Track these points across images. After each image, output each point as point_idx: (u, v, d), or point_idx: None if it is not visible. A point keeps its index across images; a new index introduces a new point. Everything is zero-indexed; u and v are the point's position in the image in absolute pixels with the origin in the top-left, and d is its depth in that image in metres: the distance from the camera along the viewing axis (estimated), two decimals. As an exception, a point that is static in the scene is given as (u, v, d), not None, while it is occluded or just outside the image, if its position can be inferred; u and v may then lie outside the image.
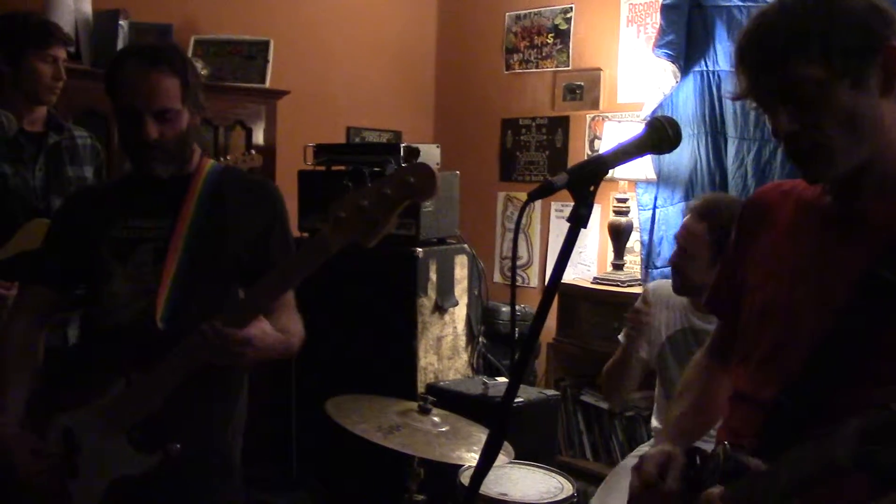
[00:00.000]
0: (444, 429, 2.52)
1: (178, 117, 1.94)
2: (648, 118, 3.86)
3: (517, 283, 4.98)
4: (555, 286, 1.27)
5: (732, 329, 1.62)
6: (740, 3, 3.88)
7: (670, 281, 2.87)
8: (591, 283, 4.25)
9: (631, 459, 2.94)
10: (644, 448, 2.96)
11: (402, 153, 3.71)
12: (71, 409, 1.91)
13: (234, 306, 1.88)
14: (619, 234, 4.21)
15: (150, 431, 1.85)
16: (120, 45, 3.53)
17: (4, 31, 2.71)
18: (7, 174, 2.66)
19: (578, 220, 1.26)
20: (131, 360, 1.87)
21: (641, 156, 1.38)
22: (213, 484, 2.05)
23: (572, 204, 1.27)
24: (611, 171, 1.33)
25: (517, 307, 4.29)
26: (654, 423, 2.97)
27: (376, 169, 3.84)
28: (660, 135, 1.33)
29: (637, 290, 3.95)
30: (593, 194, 1.27)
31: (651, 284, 3.08)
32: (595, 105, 4.64)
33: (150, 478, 1.85)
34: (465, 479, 2.59)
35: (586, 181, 1.28)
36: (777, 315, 1.49)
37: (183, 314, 1.90)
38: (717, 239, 2.68)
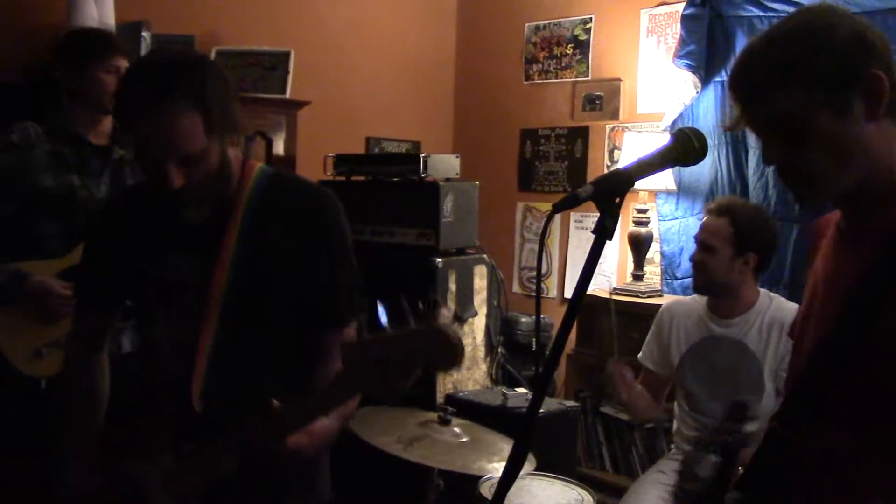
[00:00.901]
0: (464, 439, 2.51)
1: (206, 155, 1.63)
2: (670, 128, 3.86)
3: (540, 296, 4.97)
4: (580, 297, 1.26)
5: None
6: (761, 14, 3.86)
7: (683, 298, 2.87)
8: (611, 293, 4.23)
9: (652, 473, 2.92)
10: (665, 462, 2.94)
11: (422, 164, 3.71)
12: (137, 459, 1.74)
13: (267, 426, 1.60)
14: (639, 245, 4.20)
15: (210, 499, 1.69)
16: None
17: (68, 45, 2.76)
18: (75, 185, 2.69)
19: (604, 232, 1.25)
20: (176, 430, 1.71)
21: (667, 168, 1.38)
22: None
23: (591, 215, 1.28)
24: (634, 184, 1.33)
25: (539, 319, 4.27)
26: (676, 436, 2.96)
27: (396, 179, 3.85)
28: (686, 146, 1.32)
29: (657, 300, 3.93)
30: (619, 206, 1.27)
31: (667, 303, 3.07)
32: (615, 115, 4.63)
33: None
34: (485, 490, 2.58)
35: (612, 193, 1.27)
36: (798, 336, 1.53)
37: (222, 392, 1.71)
38: (739, 233, 2.68)
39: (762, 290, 2.81)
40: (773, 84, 1.33)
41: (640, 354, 3.01)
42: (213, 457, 1.66)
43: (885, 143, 1.36)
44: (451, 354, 1.37)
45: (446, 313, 1.43)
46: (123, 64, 2.75)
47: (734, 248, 2.69)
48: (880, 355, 1.30)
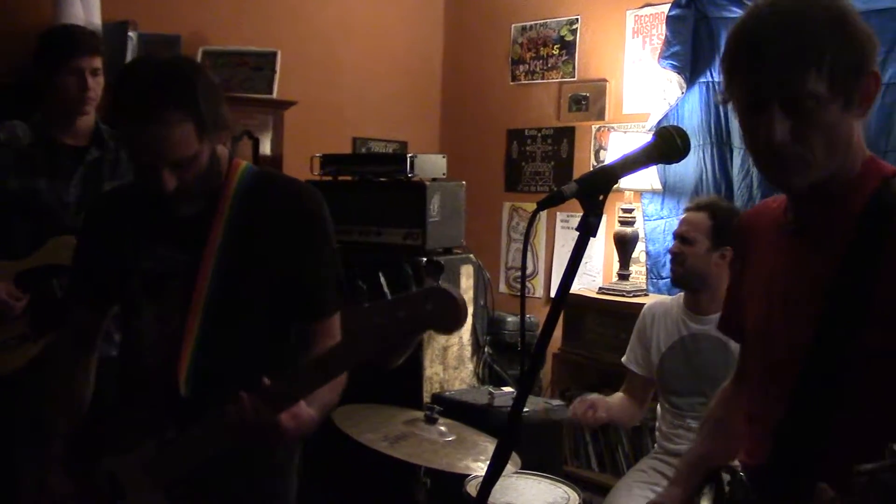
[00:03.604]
0: (450, 438, 2.52)
1: (197, 159, 1.69)
2: (656, 128, 3.88)
3: (525, 295, 4.98)
4: (565, 295, 1.28)
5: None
6: (746, 15, 3.89)
7: (664, 298, 2.89)
8: (597, 293, 4.26)
9: (634, 472, 2.93)
10: (647, 461, 2.96)
11: (408, 164, 3.72)
12: (116, 452, 1.79)
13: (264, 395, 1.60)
14: (624, 245, 4.21)
15: (189, 490, 1.72)
16: (129, 56, 3.55)
17: (39, 46, 2.73)
18: (41, 189, 2.67)
19: (588, 229, 1.27)
20: (160, 418, 1.75)
21: (650, 165, 1.38)
22: None
23: (577, 215, 1.28)
24: (618, 181, 1.33)
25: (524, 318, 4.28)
26: (658, 434, 2.97)
27: (382, 179, 3.86)
28: (669, 144, 1.33)
29: (643, 300, 3.95)
30: (603, 203, 1.28)
31: (647, 304, 3.09)
32: (601, 116, 4.65)
33: None
34: (471, 489, 2.59)
35: (596, 190, 1.28)
36: (762, 334, 1.53)
37: (207, 378, 1.74)
38: (717, 226, 2.72)
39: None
40: (806, 64, 1.30)
41: (623, 358, 3.03)
42: (195, 442, 1.68)
43: (858, 139, 1.40)
44: (455, 314, 1.36)
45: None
46: (93, 63, 2.72)
47: (711, 241, 2.73)
48: (879, 344, 1.31)
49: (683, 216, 2.86)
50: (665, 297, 2.91)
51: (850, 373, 1.33)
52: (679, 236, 2.81)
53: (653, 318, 2.94)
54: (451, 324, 1.38)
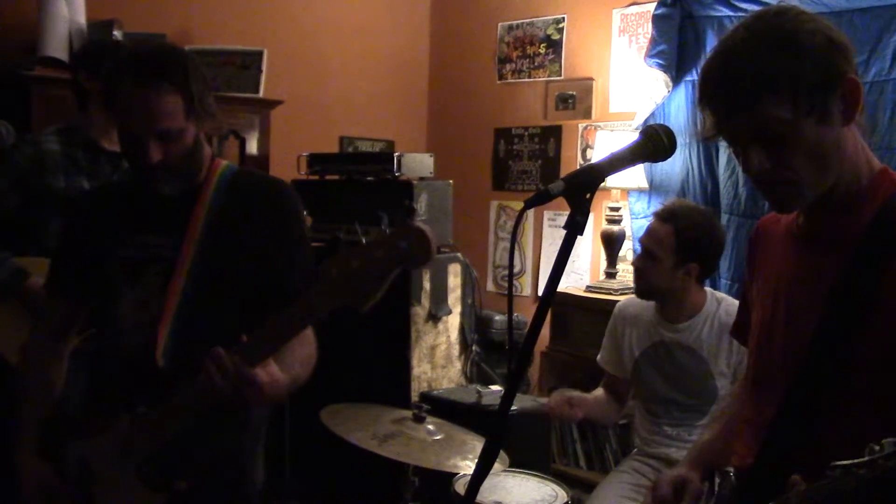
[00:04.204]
0: (438, 437, 2.52)
1: (183, 134, 1.79)
2: (642, 126, 3.89)
3: (512, 294, 4.98)
4: (552, 292, 1.28)
5: None
6: (731, 14, 3.91)
7: (635, 299, 2.86)
8: (585, 291, 4.27)
9: (615, 474, 2.93)
10: (628, 462, 2.95)
11: (395, 163, 3.72)
12: (87, 436, 1.83)
13: (242, 347, 1.66)
14: (611, 243, 4.23)
15: (159, 468, 1.77)
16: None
17: (94, 56, 2.75)
18: (85, 188, 2.69)
19: (575, 227, 1.27)
20: (135, 394, 1.79)
21: (637, 164, 1.38)
22: None
23: (565, 213, 1.28)
24: (604, 180, 1.33)
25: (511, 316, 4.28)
26: (636, 437, 2.97)
27: (369, 178, 3.86)
28: (655, 143, 1.33)
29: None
30: (589, 201, 1.28)
31: (619, 303, 3.05)
32: (587, 114, 4.66)
33: None
34: (459, 487, 2.59)
35: (583, 189, 1.28)
36: (762, 338, 1.53)
37: (185, 350, 1.79)
38: (683, 242, 2.67)
39: (708, 291, 2.80)
40: (760, 93, 1.30)
41: (598, 357, 3.02)
42: (169, 413, 1.73)
43: (854, 144, 1.39)
44: (427, 250, 1.47)
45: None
46: None
47: (676, 257, 2.68)
48: (879, 351, 1.31)
49: (650, 224, 2.80)
50: (636, 299, 2.88)
51: (843, 380, 1.33)
52: (643, 248, 2.77)
53: (623, 321, 2.91)
54: (422, 259, 1.49)
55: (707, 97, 1.38)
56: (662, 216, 2.74)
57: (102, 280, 1.91)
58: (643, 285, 2.78)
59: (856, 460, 1.00)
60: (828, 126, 1.33)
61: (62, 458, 1.84)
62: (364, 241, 1.54)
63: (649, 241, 2.73)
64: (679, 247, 2.67)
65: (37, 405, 1.93)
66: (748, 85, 1.31)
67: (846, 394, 1.33)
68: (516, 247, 4.94)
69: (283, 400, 1.82)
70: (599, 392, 2.98)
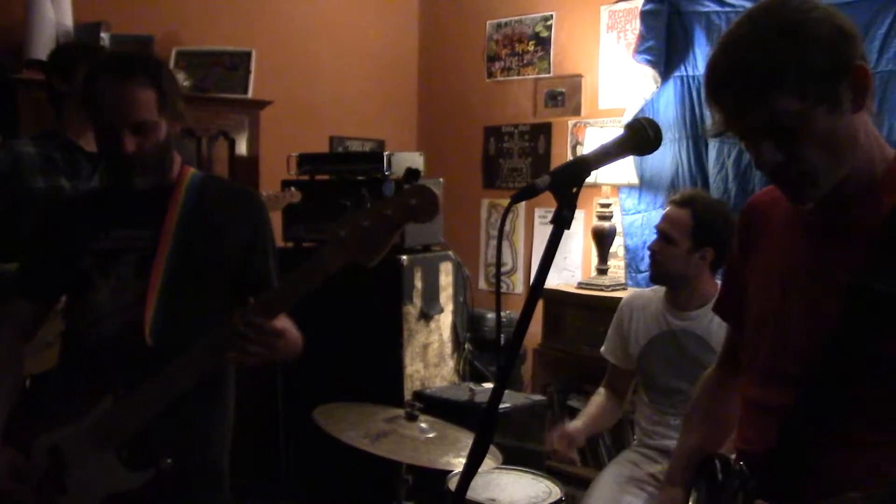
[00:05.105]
0: (431, 435, 2.52)
1: (156, 129, 1.89)
2: (629, 120, 3.90)
3: (502, 290, 4.99)
4: (539, 286, 1.27)
5: (740, 335, 1.64)
6: (719, 9, 3.92)
7: (644, 289, 2.88)
8: (576, 287, 4.27)
9: (613, 465, 2.94)
10: (627, 453, 2.96)
11: (385, 162, 3.72)
12: (57, 428, 1.88)
13: (259, 303, 1.78)
14: (602, 239, 4.23)
15: (142, 448, 1.83)
16: (101, 57, 3.53)
17: (67, 57, 2.75)
18: (64, 188, 2.69)
19: (562, 222, 1.26)
20: (118, 376, 1.84)
21: (623, 157, 1.38)
22: (204, 497, 2.05)
23: (555, 208, 1.28)
24: (594, 176, 1.33)
25: (502, 313, 4.29)
26: (637, 428, 2.98)
27: (360, 178, 3.85)
28: (640, 136, 1.33)
29: (621, 294, 3.97)
30: (576, 196, 1.28)
31: (627, 296, 3.08)
32: (577, 111, 4.67)
33: (141, 493, 1.82)
34: (453, 485, 2.59)
35: (569, 183, 1.28)
36: (771, 324, 1.51)
37: (171, 328, 1.88)
38: (699, 226, 2.70)
39: (719, 282, 2.83)
40: (769, 86, 1.29)
41: (602, 348, 3.03)
42: (156, 389, 1.80)
43: (866, 132, 1.38)
44: (434, 205, 1.63)
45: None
46: None
47: (692, 241, 2.71)
48: None
49: (666, 210, 2.84)
50: (644, 290, 2.90)
51: (868, 371, 1.33)
52: (660, 232, 2.79)
53: (631, 312, 2.94)
54: (430, 215, 1.64)
55: (715, 94, 1.37)
56: (680, 202, 2.78)
57: (75, 275, 1.96)
58: (659, 269, 2.80)
59: (871, 493, 1.01)
60: (839, 114, 1.31)
61: (28, 451, 1.87)
62: (369, 204, 1.66)
63: (667, 225, 2.76)
64: (696, 230, 2.70)
65: (4, 401, 1.95)
66: (757, 79, 1.30)
67: (870, 384, 1.33)
68: (507, 244, 4.94)
69: (297, 355, 1.94)
70: (599, 396, 2.97)
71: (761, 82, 1.30)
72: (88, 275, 1.95)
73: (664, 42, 4.13)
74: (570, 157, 4.68)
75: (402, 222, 1.65)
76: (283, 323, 1.81)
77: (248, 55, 4.06)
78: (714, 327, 2.72)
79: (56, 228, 2.04)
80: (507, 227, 4.91)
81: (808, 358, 1.40)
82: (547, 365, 4.38)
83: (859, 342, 1.33)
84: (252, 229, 2.04)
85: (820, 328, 1.38)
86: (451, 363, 3.94)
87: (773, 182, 1.43)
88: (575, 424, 2.85)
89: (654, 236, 2.84)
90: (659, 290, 2.91)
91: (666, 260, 2.76)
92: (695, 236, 2.71)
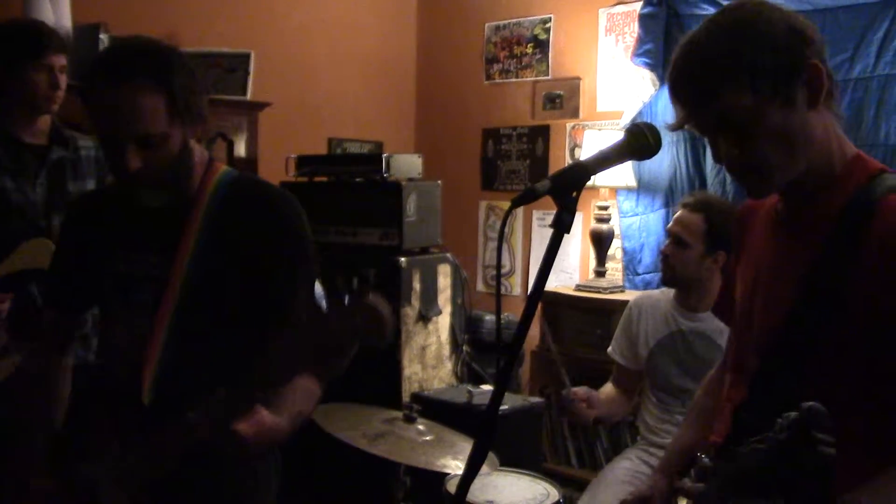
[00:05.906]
0: (428, 437, 2.52)
1: (166, 140, 1.60)
2: (628, 125, 3.91)
3: (500, 292, 4.99)
4: (539, 290, 1.28)
5: None
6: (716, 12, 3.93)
7: (652, 291, 2.88)
8: (574, 290, 4.28)
9: (614, 465, 2.95)
10: (628, 452, 2.97)
11: (384, 164, 3.72)
12: (92, 457, 1.73)
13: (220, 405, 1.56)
14: (600, 242, 4.23)
15: (152, 499, 1.66)
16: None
17: (3, 41, 2.60)
18: (8, 189, 2.58)
19: (562, 226, 1.27)
20: (123, 425, 1.70)
21: (622, 162, 1.40)
22: None
23: (554, 212, 1.28)
24: (592, 179, 1.35)
25: (501, 315, 4.29)
26: (642, 426, 2.98)
27: (358, 180, 3.86)
28: (640, 141, 1.35)
29: (619, 296, 3.97)
30: (576, 200, 1.29)
31: (635, 297, 3.08)
32: (575, 114, 4.67)
33: None
34: (451, 487, 2.60)
35: (569, 187, 1.29)
36: (741, 323, 1.56)
37: (172, 387, 1.68)
38: (712, 230, 2.71)
39: None
40: (720, 82, 1.34)
41: (609, 349, 3.03)
42: (157, 448, 1.62)
43: (825, 130, 1.41)
44: (382, 327, 1.42)
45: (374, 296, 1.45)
46: (59, 61, 2.64)
47: (706, 245, 2.72)
48: (848, 337, 1.33)
49: (678, 214, 2.84)
50: (653, 291, 2.90)
51: (815, 362, 1.36)
52: (673, 236, 2.79)
53: (640, 312, 2.94)
54: (379, 337, 1.44)
55: (673, 90, 1.42)
56: (692, 206, 2.78)
57: (97, 293, 1.82)
58: (671, 273, 2.80)
59: (760, 436, 1.10)
60: (792, 111, 1.35)
61: (71, 477, 1.73)
62: (322, 311, 1.49)
63: (679, 229, 2.76)
64: (709, 234, 2.71)
65: (41, 420, 1.85)
66: (707, 75, 1.35)
67: (817, 377, 1.36)
68: (506, 247, 4.95)
69: (283, 443, 1.73)
70: (609, 388, 2.98)
71: (713, 78, 1.35)
72: (108, 301, 1.80)
73: (662, 45, 4.15)
74: (568, 160, 4.69)
75: (348, 345, 1.44)
76: (262, 419, 1.58)
77: (246, 57, 4.06)
78: (723, 328, 2.72)
79: (78, 236, 1.86)
80: (505, 230, 4.91)
81: (763, 352, 1.44)
82: (544, 367, 4.38)
83: (807, 336, 1.37)
84: (284, 246, 1.75)
85: (775, 323, 1.42)
86: (449, 365, 3.94)
87: (731, 176, 1.46)
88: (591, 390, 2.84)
89: (654, 239, 2.85)
90: (667, 292, 2.91)
91: (679, 264, 2.76)
92: (708, 240, 2.71)
